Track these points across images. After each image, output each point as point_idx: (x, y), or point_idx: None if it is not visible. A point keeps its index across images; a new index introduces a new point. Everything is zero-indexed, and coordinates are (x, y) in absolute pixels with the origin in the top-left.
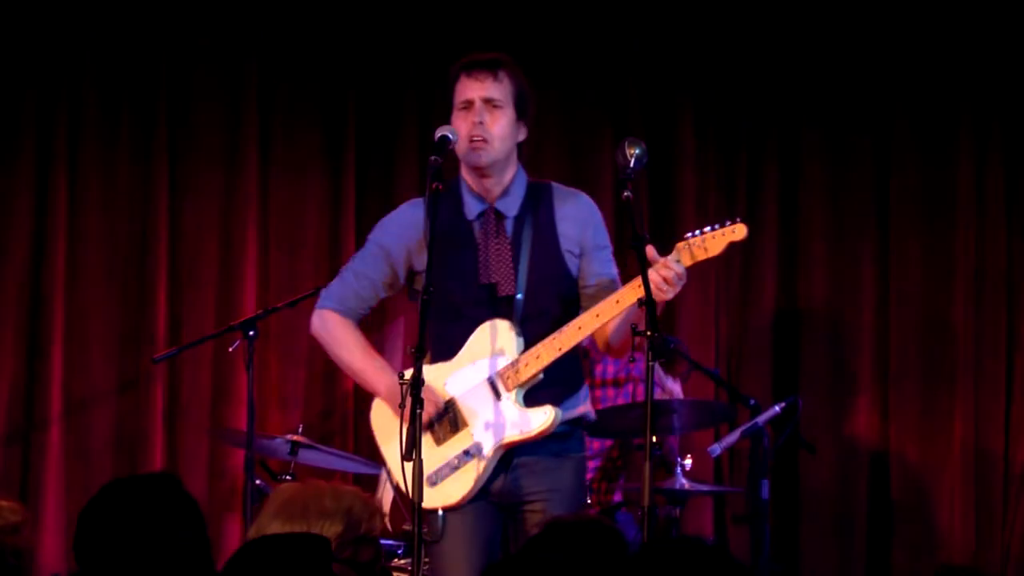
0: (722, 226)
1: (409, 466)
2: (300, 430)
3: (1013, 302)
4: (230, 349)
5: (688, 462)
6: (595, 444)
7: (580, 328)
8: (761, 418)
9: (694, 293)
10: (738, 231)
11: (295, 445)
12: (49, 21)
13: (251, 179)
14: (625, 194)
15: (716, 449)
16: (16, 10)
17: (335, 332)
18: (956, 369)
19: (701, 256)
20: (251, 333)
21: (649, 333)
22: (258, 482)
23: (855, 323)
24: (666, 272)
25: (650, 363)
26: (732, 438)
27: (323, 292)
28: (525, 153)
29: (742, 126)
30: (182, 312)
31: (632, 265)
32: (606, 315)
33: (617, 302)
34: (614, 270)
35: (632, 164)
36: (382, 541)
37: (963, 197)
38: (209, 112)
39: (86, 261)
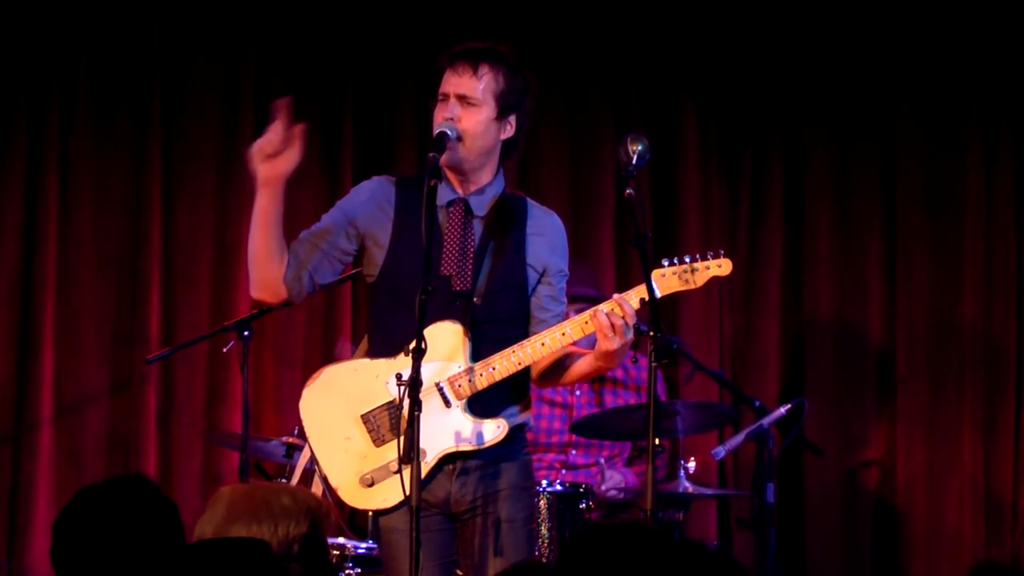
0: (705, 258)
1: (407, 468)
2: (296, 432)
3: (1023, 301)
4: (224, 350)
5: (692, 465)
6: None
7: (544, 345)
8: (766, 420)
9: (697, 292)
10: (724, 266)
11: (290, 447)
12: (42, 18)
13: (246, 177)
14: (627, 191)
15: (720, 452)
16: (9, 7)
17: None
18: (964, 370)
19: (680, 287)
20: (246, 333)
21: (652, 333)
22: None
23: (861, 323)
24: (615, 319)
25: (653, 364)
26: (736, 440)
27: None
28: (521, 148)
29: (745, 124)
30: (176, 312)
31: (634, 264)
32: (573, 335)
33: (586, 323)
34: (565, 298)
35: (634, 161)
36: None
37: (972, 195)
38: (204, 110)
39: (78, 260)
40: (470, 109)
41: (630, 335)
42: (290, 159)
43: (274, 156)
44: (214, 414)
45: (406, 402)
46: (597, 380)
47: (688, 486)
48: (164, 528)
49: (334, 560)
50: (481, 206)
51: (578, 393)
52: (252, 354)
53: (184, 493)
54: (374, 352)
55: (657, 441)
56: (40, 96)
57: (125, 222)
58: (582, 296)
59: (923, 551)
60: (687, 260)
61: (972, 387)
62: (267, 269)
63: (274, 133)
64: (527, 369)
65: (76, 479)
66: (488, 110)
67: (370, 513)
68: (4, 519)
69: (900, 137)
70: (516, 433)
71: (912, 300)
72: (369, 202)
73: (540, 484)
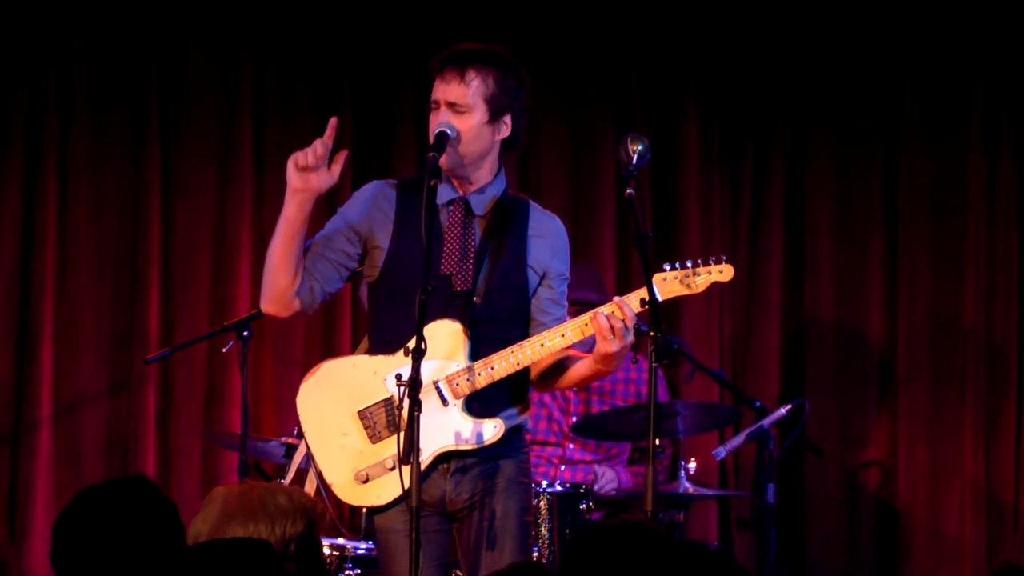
0: (707, 263)
1: (406, 468)
2: (295, 432)
3: None
4: (224, 350)
5: (692, 465)
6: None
7: (543, 346)
8: (767, 420)
9: (698, 293)
10: (725, 272)
11: (290, 448)
12: (39, 18)
13: (245, 176)
14: (628, 191)
15: (721, 452)
16: (6, 6)
17: None
18: (966, 370)
19: (681, 291)
20: (245, 333)
21: (653, 334)
22: None
23: (863, 323)
24: (615, 321)
25: (653, 364)
26: (737, 441)
27: None
28: (521, 144)
29: (747, 123)
30: (175, 312)
31: (635, 264)
32: (573, 337)
33: (586, 325)
34: (566, 303)
35: (635, 161)
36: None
37: (973, 195)
38: (202, 109)
39: (76, 259)
40: (461, 116)
41: (629, 338)
42: (325, 178)
43: (310, 170)
44: (213, 414)
45: (406, 403)
46: (593, 390)
47: (688, 487)
48: (165, 529)
49: (334, 561)
50: (481, 205)
51: (574, 390)
52: (251, 354)
53: (183, 493)
54: (374, 351)
55: (658, 442)
56: (38, 95)
57: (124, 221)
58: (584, 301)
59: (924, 552)
60: (688, 265)
61: (973, 388)
62: (282, 281)
63: (318, 147)
64: (526, 371)
65: (75, 479)
66: (479, 114)
67: (364, 510)
68: (3, 519)
69: (902, 136)
70: (514, 434)
71: (913, 300)
72: (370, 205)
73: (540, 484)
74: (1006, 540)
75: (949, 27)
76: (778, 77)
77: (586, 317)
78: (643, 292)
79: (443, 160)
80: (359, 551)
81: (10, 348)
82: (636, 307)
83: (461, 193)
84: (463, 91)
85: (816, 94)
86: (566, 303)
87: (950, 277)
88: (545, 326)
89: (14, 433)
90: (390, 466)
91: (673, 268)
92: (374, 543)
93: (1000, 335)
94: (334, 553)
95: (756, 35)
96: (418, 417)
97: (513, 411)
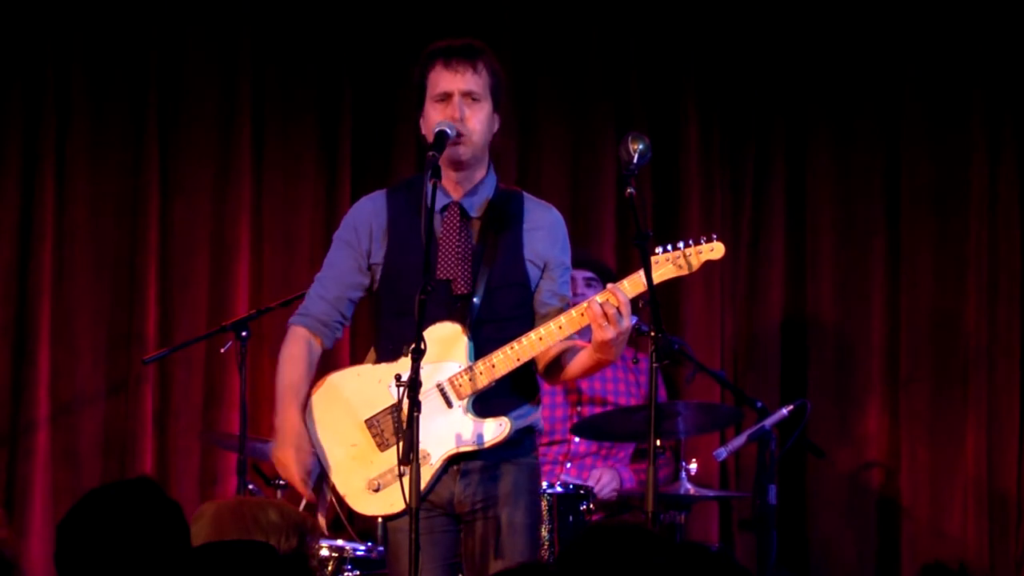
0: (698, 243)
1: (407, 470)
2: None
3: None
4: (222, 350)
5: (693, 466)
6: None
7: (541, 339)
8: (768, 421)
9: (699, 292)
10: (716, 250)
11: None
12: (38, 17)
13: (244, 175)
14: (628, 191)
15: (722, 453)
16: (4, 5)
17: (285, 350)
18: (968, 371)
19: (675, 273)
20: (244, 334)
21: (654, 334)
22: (251, 486)
23: (864, 324)
24: (609, 308)
25: (654, 364)
26: (738, 442)
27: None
28: (498, 143)
29: (747, 123)
30: (173, 312)
31: (636, 264)
32: (569, 327)
33: (581, 315)
34: (569, 292)
35: (635, 160)
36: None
37: (976, 194)
38: (201, 108)
39: (74, 259)
40: (476, 105)
41: (624, 323)
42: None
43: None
44: (212, 415)
45: (405, 403)
46: (596, 392)
47: (690, 488)
48: (169, 531)
49: (333, 563)
50: (476, 207)
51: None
52: (250, 355)
53: (182, 494)
54: (379, 360)
55: (659, 443)
56: (36, 94)
57: (122, 221)
58: (584, 261)
59: (926, 553)
60: (680, 246)
61: (975, 388)
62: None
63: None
64: (532, 368)
65: (73, 480)
66: (488, 105)
67: (379, 520)
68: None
69: (904, 136)
70: (523, 436)
71: (915, 301)
72: (363, 225)
73: (541, 485)
74: (1009, 540)
75: (950, 27)
76: (778, 77)
77: (581, 307)
78: (636, 279)
79: (453, 153)
80: (358, 552)
81: (7, 349)
82: (631, 293)
83: (455, 197)
84: (477, 80)
85: (816, 94)
86: (569, 294)
87: (952, 277)
88: (548, 319)
89: (12, 434)
90: (400, 472)
91: (665, 251)
92: (383, 542)
93: (1002, 335)
94: (333, 554)
95: (756, 35)
96: (418, 417)
97: (521, 410)
